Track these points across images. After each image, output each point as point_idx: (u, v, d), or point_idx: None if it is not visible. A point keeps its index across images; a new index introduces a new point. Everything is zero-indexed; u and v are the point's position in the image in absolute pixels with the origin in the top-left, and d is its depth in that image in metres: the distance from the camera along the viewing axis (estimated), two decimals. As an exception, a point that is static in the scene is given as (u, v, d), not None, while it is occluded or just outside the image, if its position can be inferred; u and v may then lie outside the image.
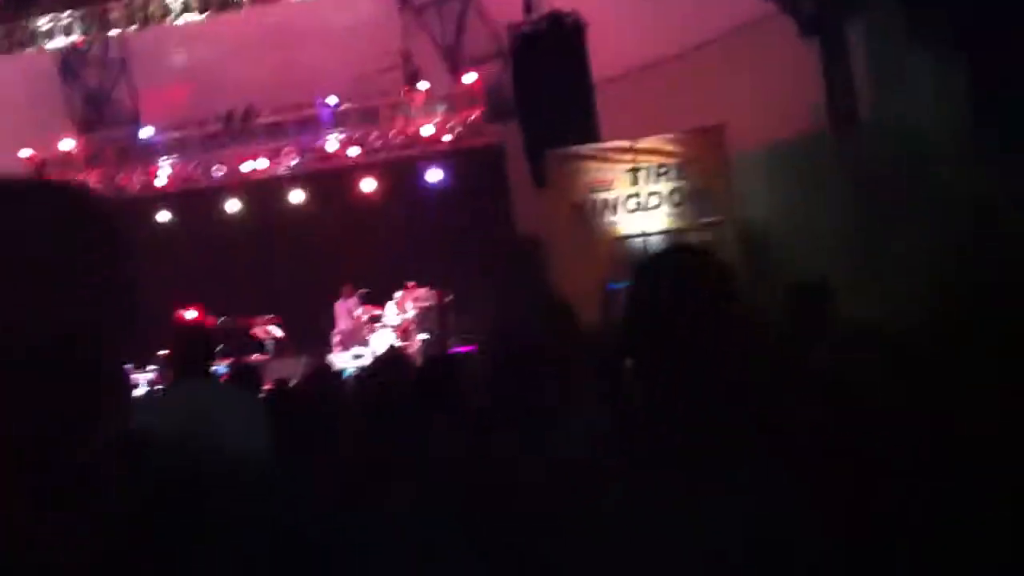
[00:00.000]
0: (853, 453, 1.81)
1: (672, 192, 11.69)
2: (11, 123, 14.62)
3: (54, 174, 15.60)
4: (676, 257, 2.10)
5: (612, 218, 11.81)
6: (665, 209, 11.69)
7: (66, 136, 16.22)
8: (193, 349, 4.42)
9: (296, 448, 4.10)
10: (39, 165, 15.43)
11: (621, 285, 10.43)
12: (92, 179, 16.01)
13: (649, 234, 11.46)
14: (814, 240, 10.84)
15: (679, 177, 11.67)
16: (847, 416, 2.12)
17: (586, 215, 11.85)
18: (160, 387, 8.95)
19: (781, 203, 11.95)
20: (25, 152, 15.02)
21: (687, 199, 11.63)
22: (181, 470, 1.22)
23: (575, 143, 11.94)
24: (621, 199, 11.79)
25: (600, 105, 12.43)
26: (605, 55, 12.35)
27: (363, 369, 6.04)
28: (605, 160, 11.86)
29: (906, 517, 1.72)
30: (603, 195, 11.84)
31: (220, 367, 7.96)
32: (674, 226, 11.53)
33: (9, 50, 14.05)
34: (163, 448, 1.27)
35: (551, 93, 12.18)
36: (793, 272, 9.12)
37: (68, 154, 16.08)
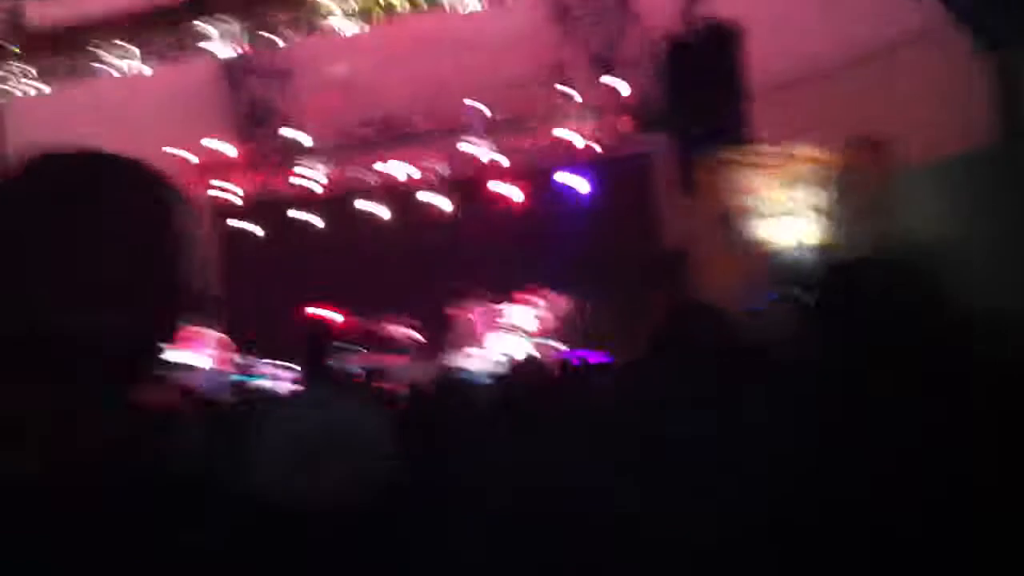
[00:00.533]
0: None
1: (827, 204, 11.23)
2: (174, 128, 15.14)
3: (211, 178, 16.26)
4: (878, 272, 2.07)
5: (762, 228, 11.42)
6: (819, 221, 11.24)
7: (225, 140, 16.76)
8: (321, 348, 4.41)
9: (429, 453, 4.02)
10: (197, 169, 16.00)
11: (771, 297, 10.08)
12: (246, 183, 16.65)
13: (801, 247, 11.04)
14: (979, 259, 10.21)
15: (836, 188, 11.20)
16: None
17: (735, 224, 11.51)
18: (289, 385, 9.20)
19: (944, 219, 11.34)
20: (184, 155, 15.56)
21: (844, 212, 11.15)
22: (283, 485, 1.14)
23: (726, 150, 11.63)
24: (772, 209, 11.39)
25: (755, 114, 12.06)
26: (762, 63, 11.97)
27: (498, 375, 5.94)
28: (756, 168, 11.50)
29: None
30: (753, 204, 11.47)
31: (352, 367, 8.01)
32: (828, 239, 11.07)
33: (174, 56, 14.50)
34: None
35: (704, 101, 11.89)
36: (954, 291, 8.62)
37: (226, 158, 16.66)
